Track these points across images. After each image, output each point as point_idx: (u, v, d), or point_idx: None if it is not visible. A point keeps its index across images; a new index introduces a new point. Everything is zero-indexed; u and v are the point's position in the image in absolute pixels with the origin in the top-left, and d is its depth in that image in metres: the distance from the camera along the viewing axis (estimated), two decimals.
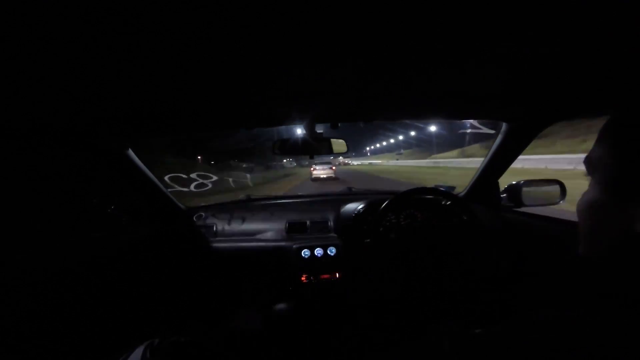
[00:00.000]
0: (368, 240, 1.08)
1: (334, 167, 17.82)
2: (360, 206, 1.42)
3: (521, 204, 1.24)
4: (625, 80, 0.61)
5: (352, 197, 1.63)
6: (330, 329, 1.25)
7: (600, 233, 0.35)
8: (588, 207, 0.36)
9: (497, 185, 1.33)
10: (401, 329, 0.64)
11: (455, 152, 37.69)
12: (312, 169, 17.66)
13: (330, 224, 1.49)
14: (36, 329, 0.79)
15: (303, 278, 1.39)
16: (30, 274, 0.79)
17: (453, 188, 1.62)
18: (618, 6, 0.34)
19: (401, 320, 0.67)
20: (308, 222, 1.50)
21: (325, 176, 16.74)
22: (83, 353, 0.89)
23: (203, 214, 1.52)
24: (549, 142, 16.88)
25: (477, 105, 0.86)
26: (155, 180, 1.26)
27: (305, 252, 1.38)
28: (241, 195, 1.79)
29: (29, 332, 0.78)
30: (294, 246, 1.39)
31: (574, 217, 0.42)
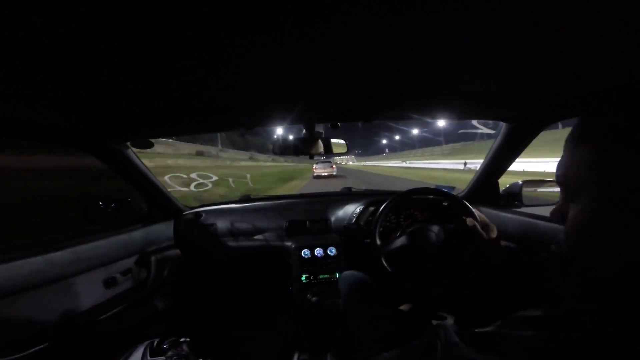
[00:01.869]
0: (368, 240, 1.08)
1: (334, 166, 19.78)
2: (361, 206, 1.42)
3: (521, 204, 1.24)
4: (624, 80, 0.61)
5: (352, 197, 1.63)
6: (329, 329, 1.25)
7: (604, 258, 0.29)
8: (583, 233, 0.30)
9: (497, 185, 1.33)
10: (399, 328, 0.64)
11: None
12: (314, 167, 19.55)
13: (330, 224, 1.49)
14: (36, 330, 0.79)
15: (303, 278, 1.39)
16: (28, 274, 0.78)
17: (453, 188, 1.62)
18: (617, 7, 0.34)
19: (400, 320, 0.67)
20: (308, 222, 1.50)
21: (326, 174, 18.56)
22: (83, 353, 0.89)
23: (202, 213, 1.52)
24: None
25: (477, 105, 0.86)
26: (155, 179, 1.26)
27: (305, 252, 1.38)
28: (241, 195, 1.79)
29: (30, 332, 0.78)
30: (294, 246, 1.39)
31: None
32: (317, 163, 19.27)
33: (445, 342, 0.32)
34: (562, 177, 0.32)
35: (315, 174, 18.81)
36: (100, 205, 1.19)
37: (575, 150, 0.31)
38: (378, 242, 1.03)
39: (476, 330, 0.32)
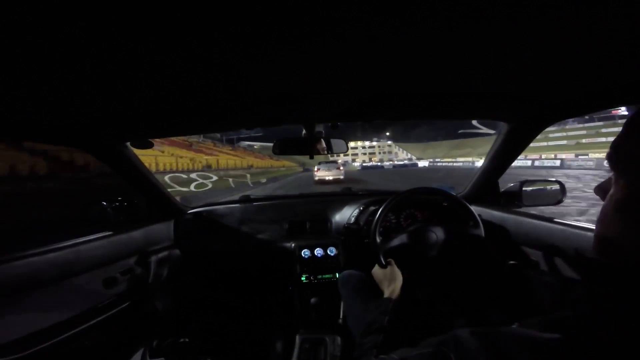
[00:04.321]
0: (368, 240, 1.08)
1: (341, 168, 16.25)
2: (361, 206, 1.42)
3: (521, 204, 1.24)
4: (624, 80, 0.61)
5: (352, 197, 1.63)
6: (329, 328, 1.25)
7: (634, 237, 0.30)
8: (619, 207, 0.31)
9: (497, 185, 1.33)
10: (401, 330, 0.64)
11: None
12: (315, 169, 16.04)
13: (331, 224, 1.49)
14: (36, 330, 0.79)
15: (303, 278, 1.39)
16: (28, 274, 0.78)
17: (452, 188, 1.62)
18: (616, 7, 0.34)
19: (401, 321, 0.67)
20: (308, 222, 1.50)
21: (332, 177, 15.07)
22: (84, 353, 0.89)
23: (202, 213, 1.52)
24: None
25: (477, 105, 0.86)
26: (155, 179, 1.26)
27: (305, 252, 1.38)
28: (241, 195, 1.79)
29: (31, 332, 0.78)
30: (294, 246, 1.39)
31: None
32: (319, 164, 16.26)
33: (458, 347, 0.32)
34: (613, 153, 0.33)
35: (317, 178, 15.25)
36: (101, 205, 1.19)
37: (630, 127, 0.31)
38: (378, 239, 1.03)
39: (491, 337, 0.31)
